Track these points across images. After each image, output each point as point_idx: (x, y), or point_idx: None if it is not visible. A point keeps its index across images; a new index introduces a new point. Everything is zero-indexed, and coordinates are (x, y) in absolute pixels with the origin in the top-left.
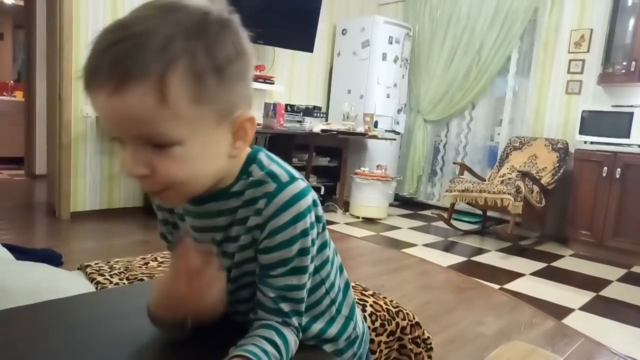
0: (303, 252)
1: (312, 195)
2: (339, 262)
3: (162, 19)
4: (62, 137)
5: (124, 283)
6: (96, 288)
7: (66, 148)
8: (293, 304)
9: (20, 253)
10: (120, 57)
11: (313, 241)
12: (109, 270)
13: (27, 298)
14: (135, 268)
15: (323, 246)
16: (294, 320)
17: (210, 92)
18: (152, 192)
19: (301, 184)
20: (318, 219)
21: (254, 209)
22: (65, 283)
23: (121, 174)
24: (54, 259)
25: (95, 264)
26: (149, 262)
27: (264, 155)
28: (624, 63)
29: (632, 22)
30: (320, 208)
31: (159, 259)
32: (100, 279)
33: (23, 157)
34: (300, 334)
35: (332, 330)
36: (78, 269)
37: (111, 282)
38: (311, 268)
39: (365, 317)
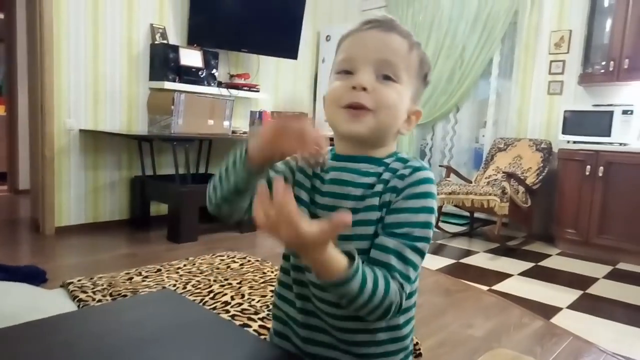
0: (426, 225)
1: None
2: None
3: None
4: (45, 151)
5: (107, 299)
6: (78, 306)
7: (49, 162)
8: (404, 265)
9: (2, 271)
10: (392, 20)
11: (432, 224)
12: (91, 286)
13: (6, 321)
14: (119, 283)
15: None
16: (400, 278)
17: (419, 77)
18: (359, 106)
19: (429, 171)
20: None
21: (399, 174)
22: (45, 303)
23: (327, 100)
24: (37, 276)
25: (78, 280)
26: (133, 277)
27: (404, 151)
28: (603, 63)
29: (609, 22)
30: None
31: (143, 273)
32: (82, 296)
33: (6, 172)
34: (404, 296)
35: (407, 329)
36: (60, 286)
37: (94, 299)
38: (427, 247)
39: None
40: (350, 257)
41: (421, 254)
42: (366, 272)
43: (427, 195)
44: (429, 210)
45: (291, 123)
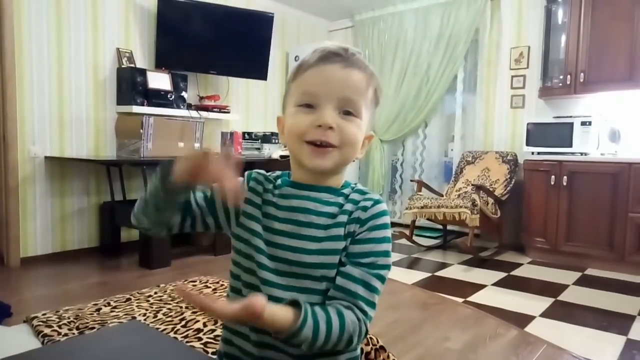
0: (387, 253)
1: None
2: None
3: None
4: (8, 180)
5: (74, 333)
6: (42, 342)
7: (13, 191)
8: (370, 293)
9: None
10: (352, 54)
11: (391, 250)
12: (57, 320)
13: None
14: (86, 316)
15: None
16: (364, 306)
17: (373, 105)
18: (324, 144)
19: (384, 203)
20: None
21: (361, 206)
22: (6, 340)
23: (289, 133)
24: (1, 310)
25: (43, 314)
26: (101, 308)
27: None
28: (561, 77)
29: (563, 38)
30: None
31: (112, 303)
32: (47, 331)
33: None
34: (367, 326)
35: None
36: (24, 321)
37: (59, 334)
38: (388, 273)
39: None
40: (297, 305)
41: (383, 280)
42: (317, 315)
43: (386, 226)
44: (389, 239)
45: (197, 159)
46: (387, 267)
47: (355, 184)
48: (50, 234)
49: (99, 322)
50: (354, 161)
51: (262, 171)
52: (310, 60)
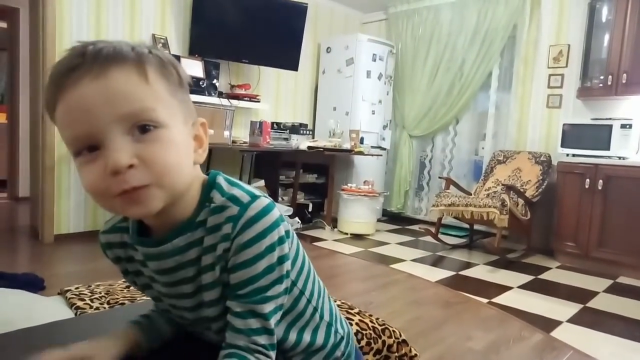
0: (270, 269)
1: (277, 211)
2: (313, 268)
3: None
4: (45, 160)
5: (105, 307)
6: (75, 313)
7: (49, 170)
8: (263, 320)
9: (1, 279)
10: (100, 49)
11: (284, 256)
12: (89, 294)
13: (1, 327)
14: (116, 292)
15: (296, 257)
16: (259, 339)
17: (175, 88)
18: (133, 190)
19: (264, 200)
20: (287, 233)
21: (221, 235)
22: (42, 310)
23: (88, 192)
24: (35, 283)
25: (76, 288)
26: (130, 286)
27: (223, 180)
28: (601, 77)
29: (606, 37)
30: (286, 223)
31: None
32: (80, 303)
33: (6, 179)
34: (273, 353)
35: (319, 339)
36: (58, 294)
37: (91, 307)
38: (285, 284)
39: None
40: None
41: (276, 297)
42: None
43: (261, 236)
44: (269, 249)
45: None
46: (274, 283)
47: (213, 192)
48: (83, 213)
49: (129, 298)
50: (197, 163)
51: (105, 237)
52: (48, 93)
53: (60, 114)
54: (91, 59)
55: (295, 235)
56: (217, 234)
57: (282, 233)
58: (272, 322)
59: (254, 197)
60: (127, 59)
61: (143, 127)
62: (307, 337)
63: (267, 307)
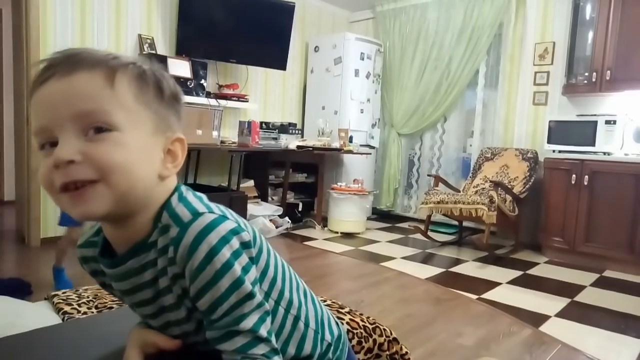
0: (235, 285)
1: (228, 224)
2: (292, 274)
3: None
4: (30, 161)
5: (93, 312)
6: (63, 319)
7: (35, 173)
8: (250, 334)
9: None
10: (76, 53)
11: (245, 269)
12: (77, 299)
13: None
14: (105, 296)
15: (266, 268)
16: (260, 349)
17: (150, 99)
18: (75, 185)
19: (207, 217)
20: (246, 244)
21: (167, 258)
22: (28, 316)
23: (41, 184)
24: (21, 288)
25: (63, 293)
26: None
27: (176, 196)
28: (586, 74)
29: (590, 35)
30: (246, 233)
31: None
32: (67, 308)
33: None
34: (278, 357)
35: (307, 349)
36: (45, 299)
37: (79, 312)
38: (260, 292)
39: None
40: None
41: (256, 309)
42: None
43: (210, 256)
44: (225, 267)
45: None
46: (246, 297)
47: (169, 199)
48: None
49: (117, 302)
50: (165, 177)
51: (80, 251)
52: (32, 86)
53: (32, 109)
54: (65, 60)
55: (264, 242)
56: (165, 257)
57: (236, 247)
58: (263, 331)
59: (196, 215)
60: (99, 64)
61: (99, 129)
62: (291, 349)
63: (250, 322)
